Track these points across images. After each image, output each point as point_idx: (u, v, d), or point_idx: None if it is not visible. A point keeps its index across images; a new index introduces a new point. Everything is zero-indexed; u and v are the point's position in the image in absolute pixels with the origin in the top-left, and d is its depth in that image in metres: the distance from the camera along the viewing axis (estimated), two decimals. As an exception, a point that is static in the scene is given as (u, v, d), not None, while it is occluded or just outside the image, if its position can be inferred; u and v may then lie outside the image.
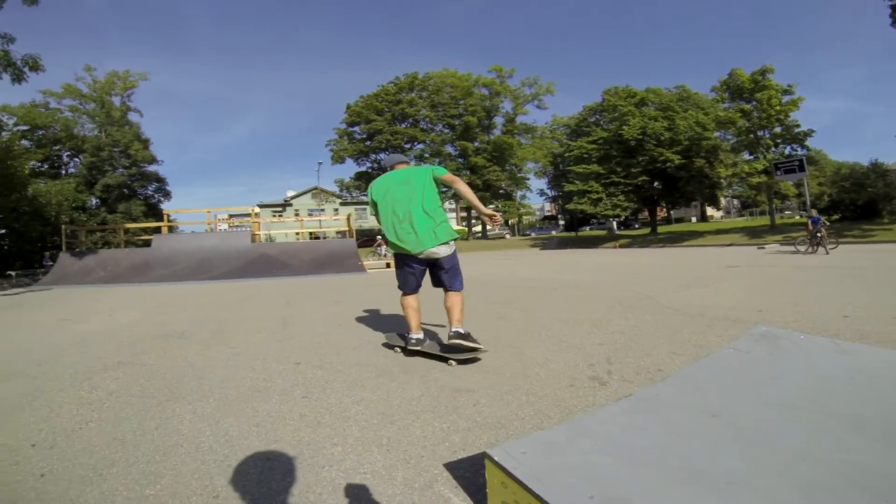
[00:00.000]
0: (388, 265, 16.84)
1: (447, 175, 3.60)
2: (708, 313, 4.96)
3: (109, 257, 18.41)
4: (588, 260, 17.69)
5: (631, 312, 5.26)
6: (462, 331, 3.47)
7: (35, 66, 17.82)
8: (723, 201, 62.11)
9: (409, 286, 3.73)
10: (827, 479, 1.28)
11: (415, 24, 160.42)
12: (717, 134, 34.36)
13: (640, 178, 34.56)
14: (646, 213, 46.00)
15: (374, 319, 5.76)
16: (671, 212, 56.26)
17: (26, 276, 23.94)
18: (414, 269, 3.65)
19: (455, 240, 3.62)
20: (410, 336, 3.73)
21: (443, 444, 2.13)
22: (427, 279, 3.77)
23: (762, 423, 1.67)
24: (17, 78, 17.62)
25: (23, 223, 28.95)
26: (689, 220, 62.62)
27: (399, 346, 3.90)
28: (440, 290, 3.71)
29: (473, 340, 3.46)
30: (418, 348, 3.67)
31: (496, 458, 1.46)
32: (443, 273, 3.61)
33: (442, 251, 3.52)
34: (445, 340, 3.63)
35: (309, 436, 2.29)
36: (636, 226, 58.83)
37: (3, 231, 30.57)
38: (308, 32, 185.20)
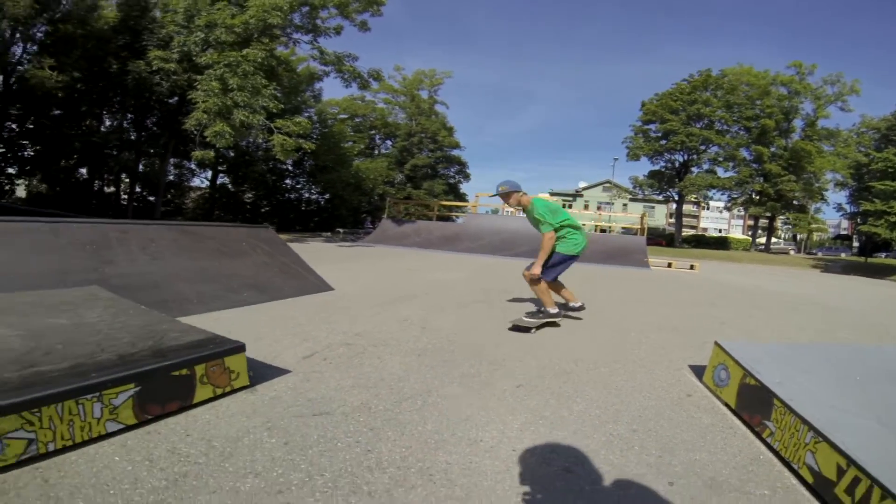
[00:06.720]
0: (669, 265, 17.50)
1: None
2: None
3: (424, 227, 22.01)
4: (859, 289, 15.32)
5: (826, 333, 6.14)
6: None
7: (378, 77, 22.97)
8: None
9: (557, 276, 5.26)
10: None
11: (697, 13, 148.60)
12: None
13: (955, 201, 25.94)
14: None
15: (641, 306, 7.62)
16: None
17: (350, 234, 29.43)
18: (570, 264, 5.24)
19: None
20: (549, 310, 5.04)
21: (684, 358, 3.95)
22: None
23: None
24: (364, 86, 22.91)
25: (347, 193, 36.88)
26: None
27: (533, 326, 4.83)
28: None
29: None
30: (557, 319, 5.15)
31: (721, 343, 3.28)
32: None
33: None
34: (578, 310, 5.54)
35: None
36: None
37: (328, 196, 39.23)
38: (590, 28, 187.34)
